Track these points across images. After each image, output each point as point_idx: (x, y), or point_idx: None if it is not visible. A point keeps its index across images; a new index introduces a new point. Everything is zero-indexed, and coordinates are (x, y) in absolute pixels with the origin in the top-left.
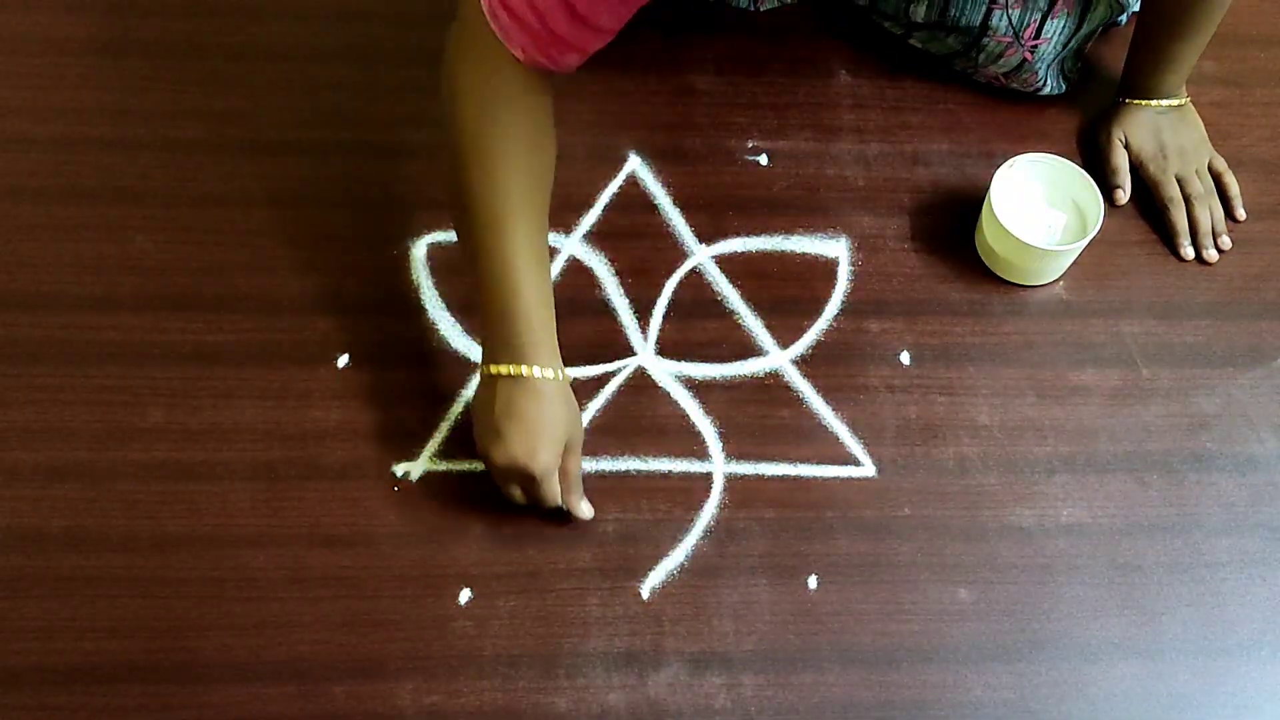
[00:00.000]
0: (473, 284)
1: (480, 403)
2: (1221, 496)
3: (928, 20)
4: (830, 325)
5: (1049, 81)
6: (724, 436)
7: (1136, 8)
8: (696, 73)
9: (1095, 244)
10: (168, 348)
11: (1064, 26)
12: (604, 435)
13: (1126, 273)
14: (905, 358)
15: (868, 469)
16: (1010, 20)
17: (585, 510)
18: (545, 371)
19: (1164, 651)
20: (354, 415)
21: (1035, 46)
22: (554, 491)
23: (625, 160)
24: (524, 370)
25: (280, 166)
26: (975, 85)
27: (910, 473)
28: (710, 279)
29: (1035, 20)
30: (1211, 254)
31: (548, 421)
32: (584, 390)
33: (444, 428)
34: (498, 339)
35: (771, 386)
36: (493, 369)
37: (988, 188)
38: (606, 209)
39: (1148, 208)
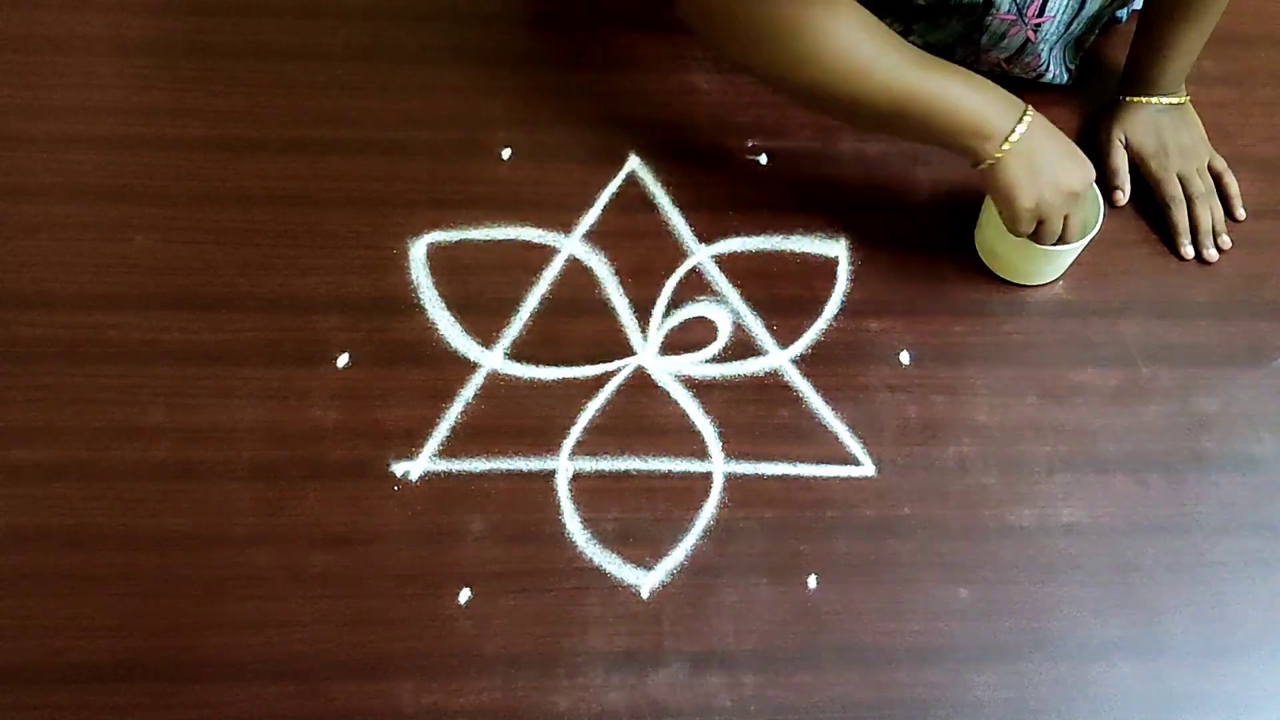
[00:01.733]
0: (476, 279)
1: (1026, 165)
2: (1222, 496)
3: (930, 3)
4: (830, 325)
5: (1051, 67)
6: (724, 436)
7: (1138, 4)
8: (696, 72)
9: (1095, 244)
10: (168, 347)
11: (1067, 4)
12: (604, 435)
13: (1126, 272)
14: (905, 357)
15: (867, 468)
16: None
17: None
18: (1028, 107)
19: (1164, 651)
20: (354, 415)
21: (1039, 25)
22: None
23: (625, 160)
24: (1026, 115)
25: (280, 165)
26: None
27: (910, 472)
28: (710, 279)
29: None
30: (1212, 253)
31: (1068, 144)
32: (583, 390)
33: (444, 427)
34: (987, 121)
35: (771, 386)
36: (1009, 141)
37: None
38: (606, 209)
39: (1148, 207)
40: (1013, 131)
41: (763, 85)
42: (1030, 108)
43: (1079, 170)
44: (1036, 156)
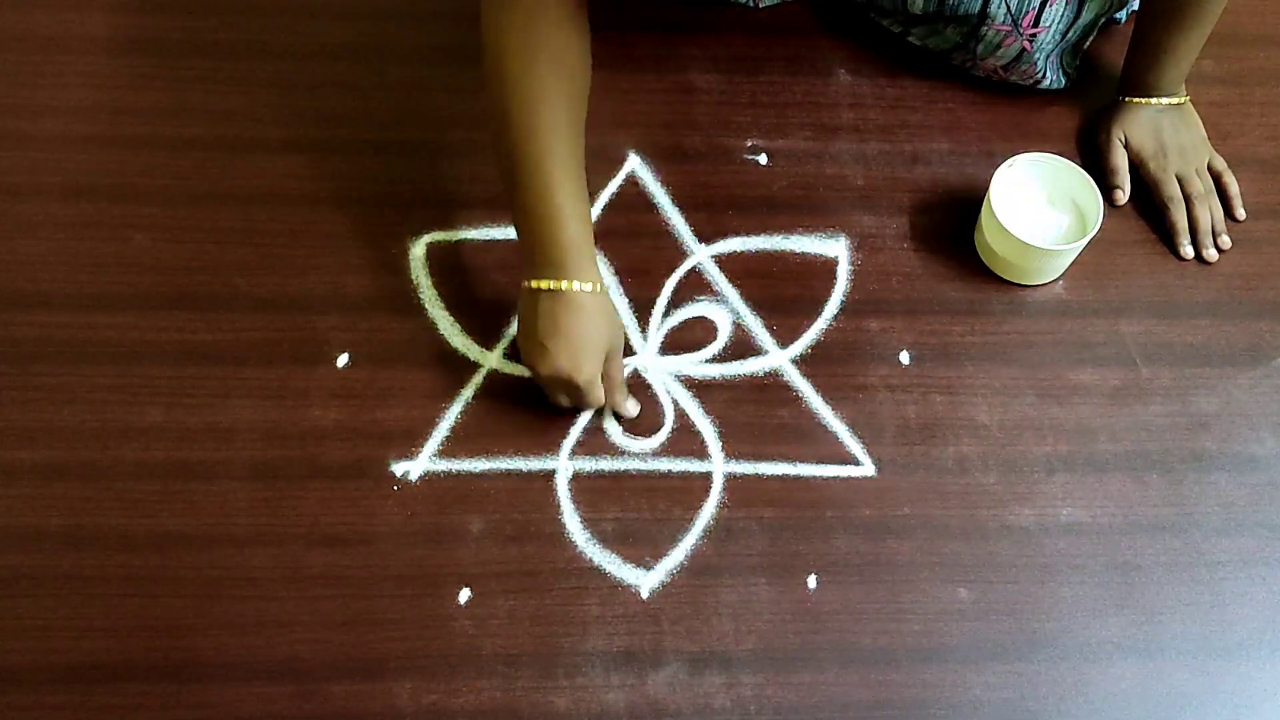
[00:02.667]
0: (475, 279)
1: (524, 318)
2: (1221, 496)
3: (926, 11)
4: (830, 325)
5: (1048, 74)
6: (723, 436)
7: (1136, 6)
8: (696, 72)
9: (1095, 244)
10: (166, 347)
11: (1062, 14)
12: (603, 435)
13: (1126, 272)
14: (905, 357)
15: (867, 468)
16: (1009, 7)
17: (630, 409)
18: (584, 285)
19: (1163, 651)
20: (353, 415)
21: (1034, 35)
22: (598, 397)
23: (624, 159)
24: (564, 285)
25: (280, 165)
26: (975, 83)
27: (910, 472)
28: (710, 278)
29: (1034, 7)
30: (1211, 253)
31: (589, 334)
32: None
33: (444, 427)
34: (538, 256)
35: (771, 386)
36: (534, 284)
37: (987, 187)
38: (606, 208)
39: (1147, 207)
40: (543, 283)
41: (779, 76)
42: (593, 285)
43: (571, 365)
44: (561, 322)
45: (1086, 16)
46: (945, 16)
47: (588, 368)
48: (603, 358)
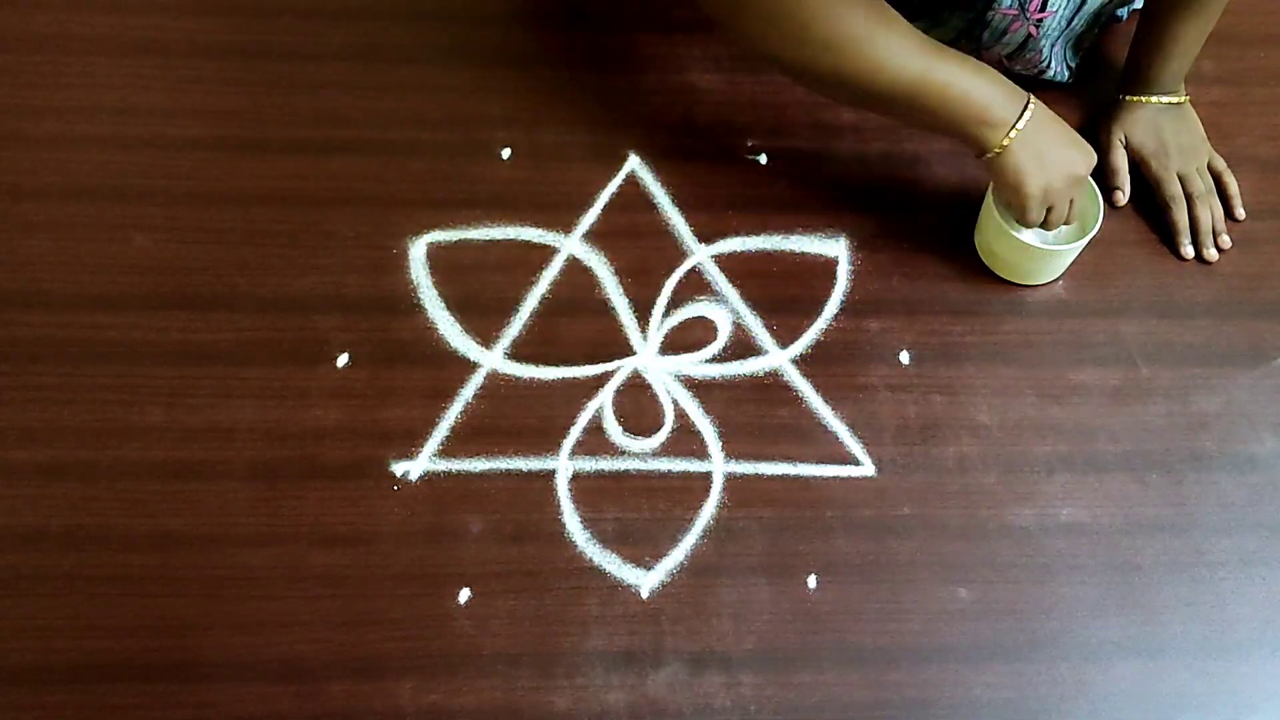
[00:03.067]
0: (476, 279)
1: (1033, 152)
2: (1221, 496)
3: None
4: (830, 325)
5: (1053, 64)
6: (723, 436)
7: (1138, 3)
8: (696, 72)
9: (1095, 244)
10: (167, 347)
11: None
12: (603, 435)
13: (1126, 272)
14: (905, 357)
15: (867, 468)
16: None
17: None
18: (1030, 96)
19: (1163, 651)
20: (353, 414)
21: (1040, 20)
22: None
23: (625, 160)
24: (1032, 103)
25: (279, 165)
26: None
27: (910, 472)
28: (710, 278)
29: None
30: (1211, 253)
31: (1069, 131)
32: (583, 390)
33: (444, 427)
34: (993, 112)
35: (771, 386)
36: (1015, 129)
37: (987, 187)
38: (606, 208)
39: (1147, 207)
40: (1019, 119)
41: (779, 76)
42: (1032, 97)
43: (1081, 155)
44: (1041, 144)
45: (1092, 3)
46: (952, 2)
47: (1089, 157)
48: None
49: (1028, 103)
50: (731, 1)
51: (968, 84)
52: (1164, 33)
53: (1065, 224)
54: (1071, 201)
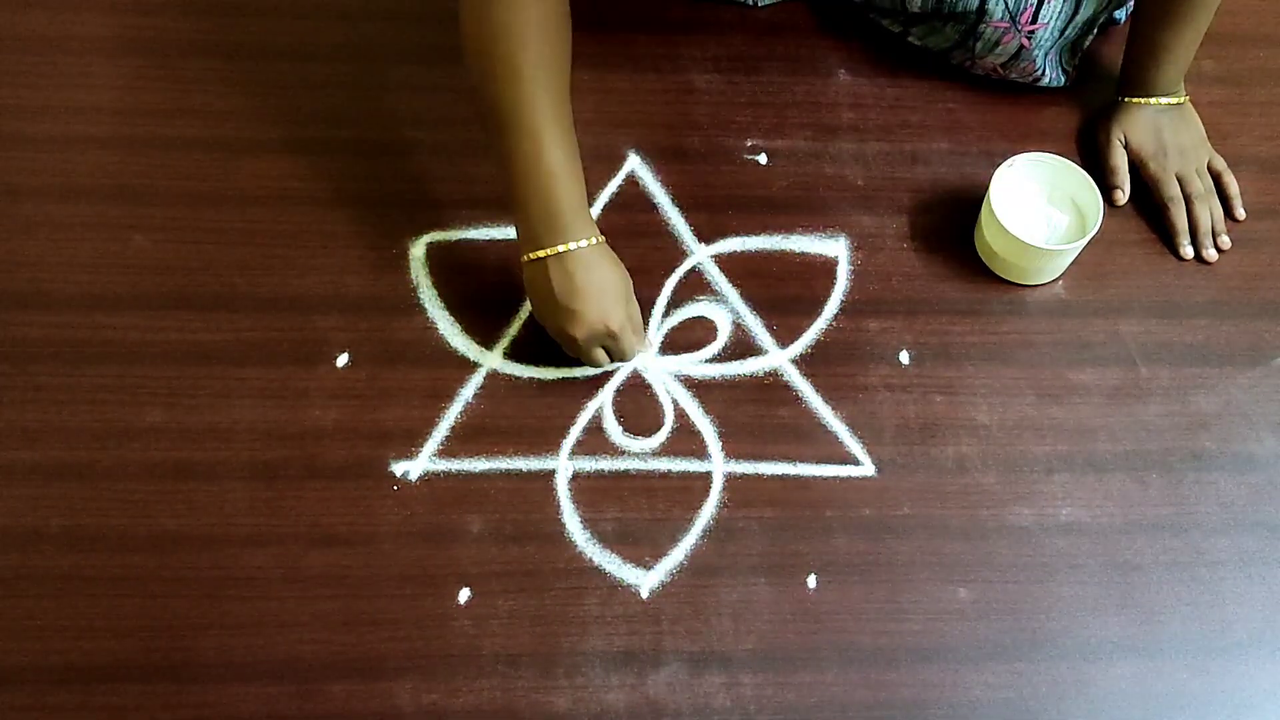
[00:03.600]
0: (475, 279)
1: (537, 290)
2: (1220, 495)
3: (924, 9)
4: (829, 325)
5: (1048, 71)
6: (723, 436)
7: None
8: (695, 72)
9: (1095, 244)
10: (166, 347)
11: (1061, 10)
12: (603, 435)
13: (1126, 272)
14: (904, 357)
15: (867, 468)
16: (1006, 4)
17: (651, 349)
18: (585, 241)
19: (1163, 650)
20: (353, 414)
21: (1032, 32)
22: (632, 342)
23: (624, 159)
24: (569, 246)
25: (279, 165)
26: (974, 83)
27: (909, 472)
28: (710, 278)
29: (1032, 4)
30: (1211, 253)
31: (608, 283)
32: (583, 390)
33: (443, 427)
34: (535, 224)
35: (771, 386)
36: (537, 255)
37: (987, 187)
38: (606, 208)
39: (1147, 207)
40: (546, 250)
41: (758, 89)
42: (592, 239)
43: (599, 314)
44: (582, 280)
45: (1085, 13)
46: (944, 14)
47: (618, 314)
48: (629, 300)
49: (568, 243)
50: None
51: (557, 182)
52: (1157, 38)
53: (622, 353)
54: (610, 347)
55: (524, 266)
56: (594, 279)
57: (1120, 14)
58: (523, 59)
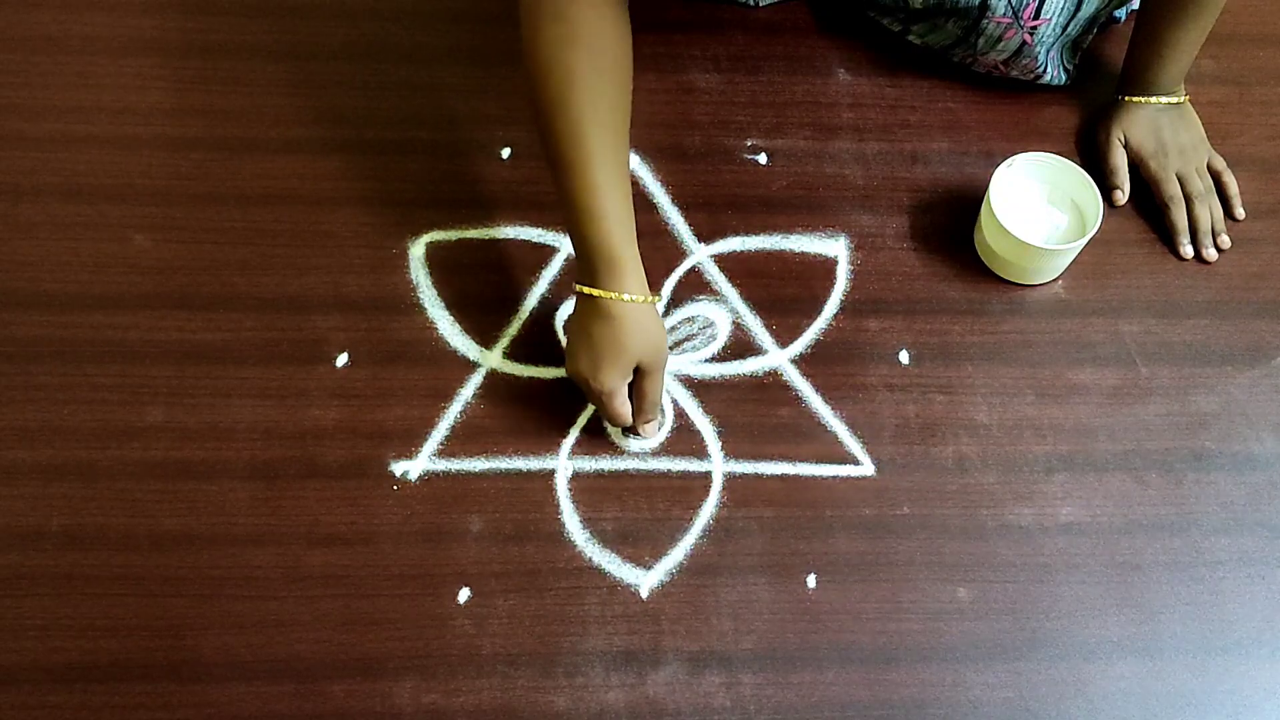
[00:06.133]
0: (475, 279)
1: (571, 318)
2: (1220, 495)
3: (926, 6)
4: (829, 324)
5: (1049, 69)
6: (723, 435)
7: (1136, 4)
8: (695, 71)
9: (1094, 243)
10: (166, 346)
11: (1063, 7)
12: (603, 435)
13: (1125, 272)
14: (904, 357)
15: (866, 468)
16: (1009, 0)
17: (649, 431)
18: (626, 295)
19: (1163, 650)
20: (353, 414)
21: (1035, 28)
22: (616, 413)
23: None
24: (603, 293)
25: (279, 165)
26: (975, 83)
27: (909, 472)
28: (709, 278)
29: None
30: (1211, 253)
31: (615, 344)
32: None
33: (443, 427)
34: (581, 257)
35: (770, 385)
36: (580, 288)
37: (987, 187)
38: None
39: (1147, 207)
40: (587, 288)
41: (757, 88)
42: (637, 296)
43: (589, 368)
44: (589, 327)
45: (1087, 10)
46: (945, 10)
47: (606, 378)
48: (628, 372)
49: (618, 294)
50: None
51: (609, 226)
52: (1161, 37)
53: (604, 416)
54: (612, 394)
55: (576, 293)
56: (608, 334)
57: (1121, 13)
58: (583, 111)
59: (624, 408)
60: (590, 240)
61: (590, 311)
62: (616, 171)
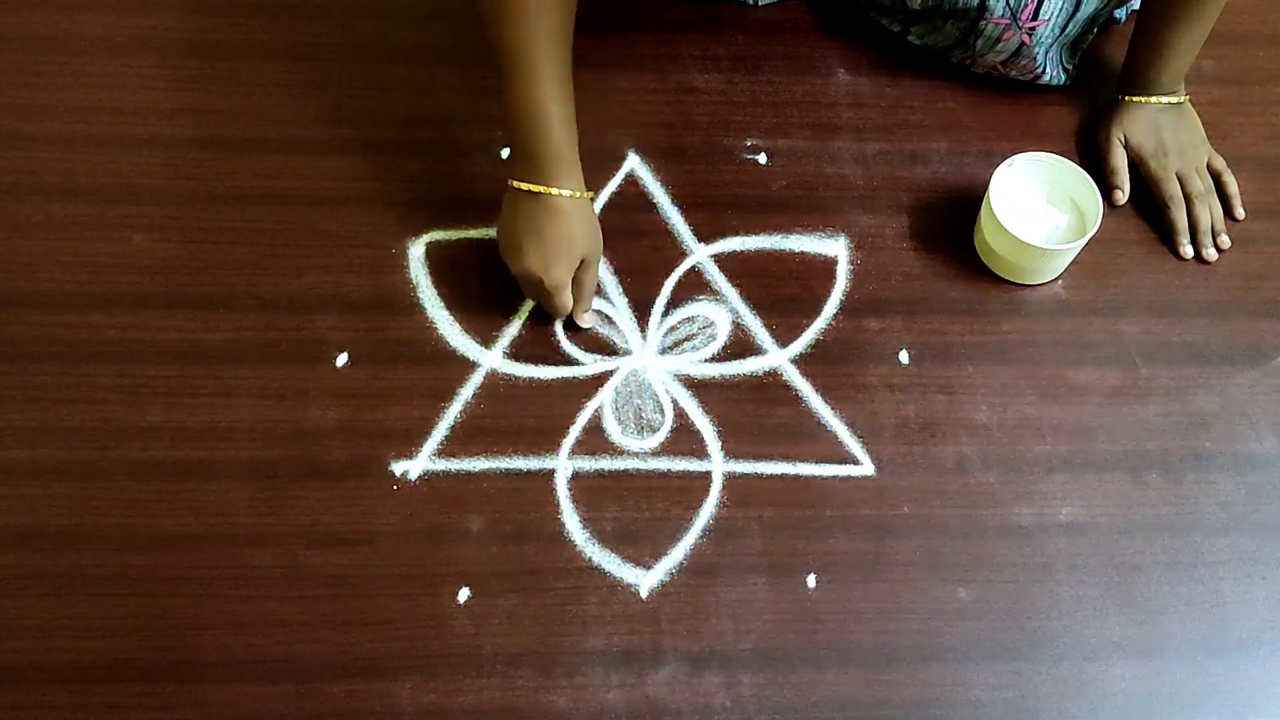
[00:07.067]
0: (475, 279)
1: (505, 214)
2: (1220, 495)
3: (924, 7)
4: (829, 324)
5: (1048, 69)
6: (723, 435)
7: (1136, 4)
8: (695, 71)
9: (1094, 243)
10: (166, 346)
11: (1062, 7)
12: (603, 434)
13: (1125, 272)
14: (904, 357)
15: (866, 468)
16: (1007, 1)
17: (587, 320)
18: (565, 190)
19: (1163, 650)
20: (352, 414)
21: (1033, 29)
22: (564, 303)
23: (624, 159)
24: (545, 189)
25: (278, 165)
26: (975, 83)
27: (909, 472)
28: (709, 278)
29: (1033, 0)
30: (1211, 253)
31: (564, 239)
32: (582, 389)
33: (443, 427)
34: (522, 155)
35: (770, 385)
36: (516, 184)
37: (987, 186)
38: (605, 208)
39: (1147, 207)
40: (527, 184)
41: (757, 88)
42: (575, 192)
43: (540, 263)
44: (538, 224)
45: (1086, 10)
46: (944, 11)
47: (557, 272)
48: (575, 264)
49: (556, 189)
50: None
51: (549, 124)
52: (1160, 37)
53: (551, 309)
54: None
55: (507, 189)
56: (556, 228)
57: (1121, 13)
58: (533, 25)
59: (569, 299)
60: (536, 139)
61: (535, 209)
62: (562, 76)
